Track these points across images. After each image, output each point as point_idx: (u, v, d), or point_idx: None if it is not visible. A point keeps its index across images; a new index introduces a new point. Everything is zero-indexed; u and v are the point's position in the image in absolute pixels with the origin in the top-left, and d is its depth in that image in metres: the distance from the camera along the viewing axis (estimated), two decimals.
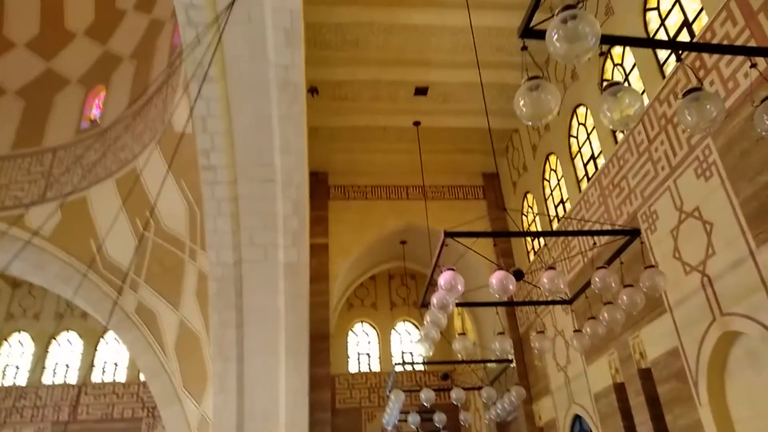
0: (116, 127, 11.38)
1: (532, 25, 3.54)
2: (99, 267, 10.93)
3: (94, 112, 12.75)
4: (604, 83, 8.72)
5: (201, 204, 9.52)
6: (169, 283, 10.76)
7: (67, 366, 15.57)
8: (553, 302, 7.54)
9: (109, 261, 11.06)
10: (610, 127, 3.42)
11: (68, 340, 15.95)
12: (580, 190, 9.60)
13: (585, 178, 9.51)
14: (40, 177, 11.87)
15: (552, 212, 10.89)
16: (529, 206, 12.01)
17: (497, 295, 5.35)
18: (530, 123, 3.34)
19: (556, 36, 2.95)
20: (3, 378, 15.35)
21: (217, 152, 8.80)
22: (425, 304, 6.48)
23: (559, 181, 10.63)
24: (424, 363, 14.75)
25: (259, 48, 8.02)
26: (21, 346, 15.79)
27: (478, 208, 13.43)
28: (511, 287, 5.21)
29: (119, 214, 10.43)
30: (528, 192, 12.06)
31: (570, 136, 10.05)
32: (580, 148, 9.75)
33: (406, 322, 17.44)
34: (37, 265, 11.37)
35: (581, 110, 9.65)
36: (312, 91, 10.97)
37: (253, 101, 8.50)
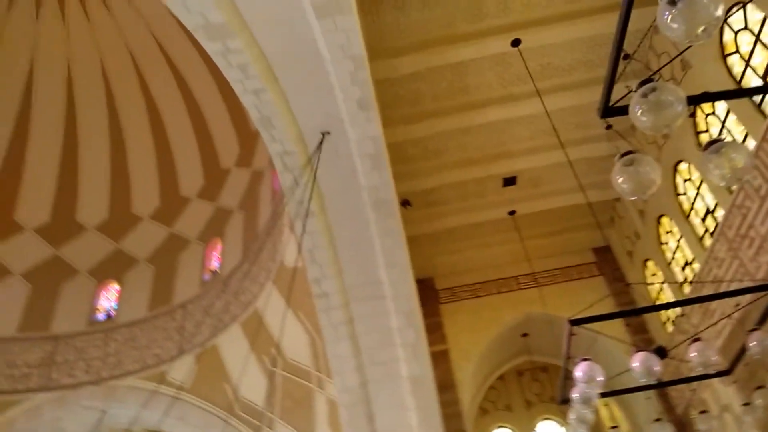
0: (235, 273, 12.25)
1: (611, 103, 3.58)
2: (236, 410, 11.32)
3: (214, 264, 13.87)
4: (700, 135, 8.38)
5: (320, 332, 9.80)
6: (301, 416, 10.88)
7: None
8: (709, 376, 6.81)
9: (245, 402, 11.44)
10: (723, 184, 3.28)
11: None
12: (704, 248, 8.93)
13: (707, 234, 8.88)
14: (175, 333, 12.83)
15: (679, 276, 10.13)
16: (652, 274, 11.27)
17: (643, 379, 4.95)
18: (635, 198, 3.28)
19: (640, 111, 2.97)
20: None
21: (327, 279, 9.18)
22: (564, 401, 6.08)
23: (678, 242, 9.98)
24: None
25: (349, 176, 8.56)
26: None
27: (596, 285, 12.76)
28: (656, 368, 4.82)
29: (248, 357, 10.91)
30: (647, 259, 11.37)
31: (678, 194, 9.56)
32: (692, 205, 9.21)
33: (548, 421, 16.24)
34: (181, 417, 11.96)
35: (683, 166, 9.24)
36: (405, 203, 11.37)
37: (352, 225, 8.94)
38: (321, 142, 7.89)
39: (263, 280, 11.18)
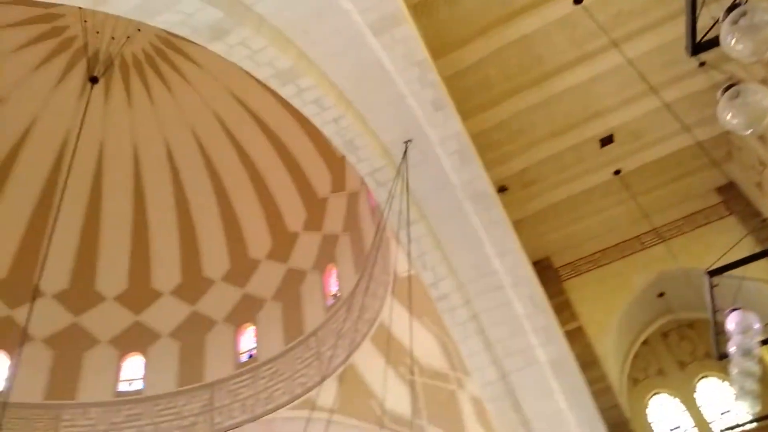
0: (355, 293, 12.64)
1: (698, 39, 3.37)
2: (386, 423, 11.62)
3: (333, 288, 14.41)
4: None
5: (448, 333, 9.87)
6: (449, 417, 10.98)
7: None
8: None
9: (393, 414, 11.72)
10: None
11: None
12: None
13: None
14: (313, 360, 13.44)
15: None
16: None
17: None
18: (750, 132, 3.05)
19: (733, 40, 2.77)
20: None
21: (443, 281, 9.25)
22: (722, 356, 5.69)
23: None
24: (756, 420, 12.45)
25: (441, 177, 8.61)
26: None
27: (729, 226, 11.80)
28: None
29: (385, 369, 11.19)
30: None
31: None
32: None
33: (708, 378, 15.15)
34: None
35: None
36: (501, 190, 11.21)
37: (454, 224, 8.95)
38: (405, 151, 8.02)
39: (382, 294, 11.45)
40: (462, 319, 9.39)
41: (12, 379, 12.03)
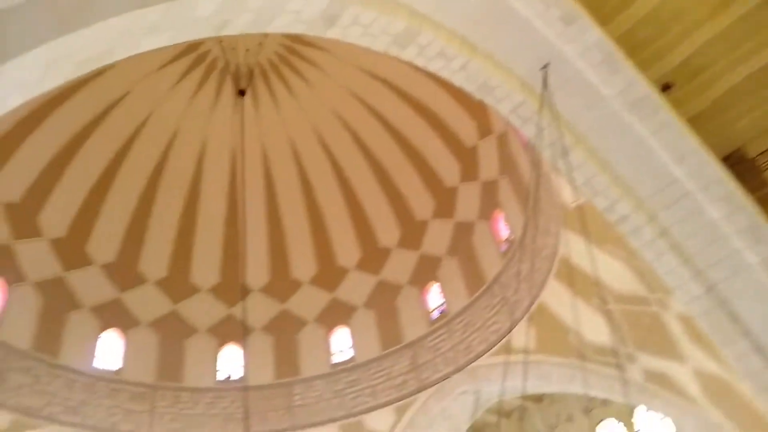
0: (526, 233, 12.40)
1: None
2: (589, 355, 11.33)
3: (504, 233, 14.30)
4: None
5: (637, 255, 9.24)
6: (658, 341, 10.37)
7: None
8: None
9: (594, 346, 11.37)
10: None
11: None
12: None
13: None
14: (501, 306, 13.54)
15: None
16: None
17: None
18: None
19: None
20: None
21: (618, 203, 8.65)
22: None
23: None
24: None
25: (590, 94, 7.97)
26: None
27: None
28: None
29: (576, 302, 10.86)
30: None
31: None
32: None
33: None
34: (541, 377, 12.49)
35: None
36: (665, 88, 10.01)
37: (617, 139, 8.26)
38: (545, 78, 7.55)
39: (555, 229, 11.07)
40: (649, 237, 8.73)
41: (246, 367, 13.88)
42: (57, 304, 14.16)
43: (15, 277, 13.66)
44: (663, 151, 8.17)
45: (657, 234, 8.51)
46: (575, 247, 10.39)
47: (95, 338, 14.64)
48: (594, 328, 10.85)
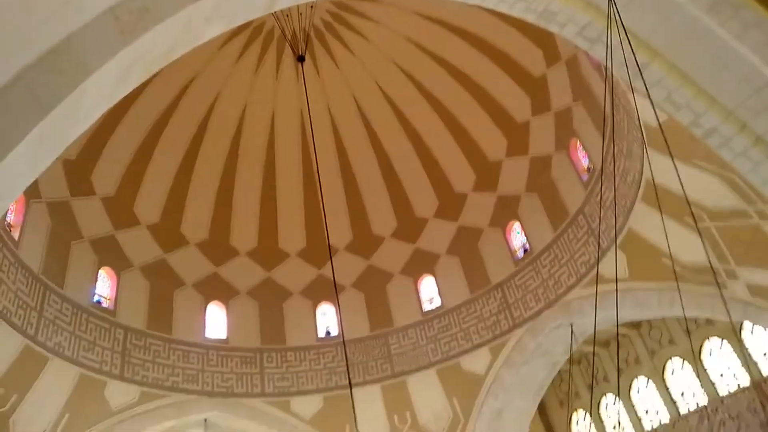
0: (606, 160, 11.91)
1: None
2: (688, 276, 10.92)
3: (584, 162, 13.83)
4: None
5: (730, 167, 8.70)
6: (761, 254, 9.85)
7: None
8: None
9: (692, 267, 10.93)
10: None
11: None
12: None
13: None
14: (587, 236, 13.22)
15: None
16: None
17: None
18: None
19: None
20: None
21: (703, 116, 8.10)
22: None
23: None
24: None
25: (662, 2, 7.40)
26: None
27: None
28: None
29: (667, 224, 10.42)
30: None
31: None
32: None
33: None
34: (638, 304, 12.21)
35: None
36: None
37: (697, 47, 7.65)
38: None
39: (638, 151, 10.58)
40: (742, 147, 8.14)
41: (342, 323, 14.47)
42: (163, 285, 15.29)
43: (122, 264, 14.81)
44: (750, 52, 7.50)
45: (750, 143, 7.93)
46: (661, 167, 9.89)
47: (201, 311, 15.75)
48: (689, 249, 10.41)
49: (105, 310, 13.83)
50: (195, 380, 14.39)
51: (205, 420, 14.33)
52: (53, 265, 12.83)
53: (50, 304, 12.29)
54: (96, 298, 13.85)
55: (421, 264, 16.85)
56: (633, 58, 7.55)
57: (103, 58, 4.04)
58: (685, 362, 16.26)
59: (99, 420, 12.37)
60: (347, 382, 13.09)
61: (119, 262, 14.75)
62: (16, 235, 11.96)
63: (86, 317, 13.11)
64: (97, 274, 14.16)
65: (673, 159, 9.00)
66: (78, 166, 13.93)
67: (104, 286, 14.31)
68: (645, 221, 11.30)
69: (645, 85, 7.76)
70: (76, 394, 12.18)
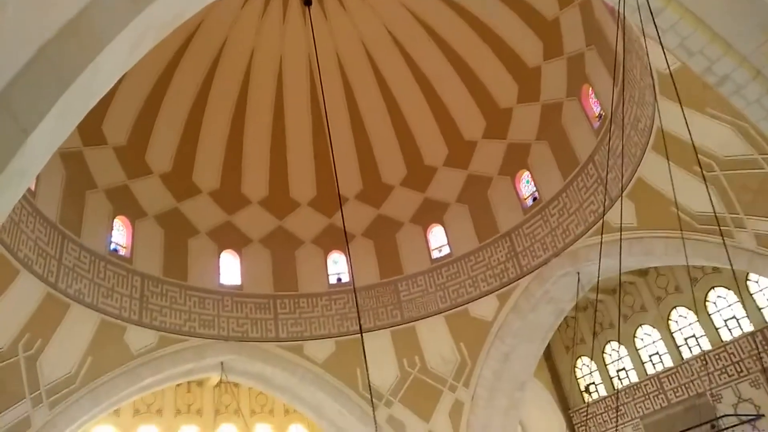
0: (618, 105, 11.76)
1: None
2: (696, 226, 10.94)
3: (595, 110, 13.66)
4: None
5: (742, 116, 8.59)
6: None
7: None
8: None
9: (700, 217, 10.96)
10: None
11: None
12: None
13: None
14: (597, 185, 13.21)
15: None
16: None
17: None
18: None
19: None
20: None
21: (717, 62, 7.91)
22: None
23: None
24: None
25: None
26: None
27: None
28: None
29: (676, 172, 10.38)
30: None
31: None
32: None
33: None
34: (645, 252, 12.28)
35: None
36: None
37: None
38: None
39: (650, 99, 10.42)
40: (756, 95, 8.01)
41: (352, 270, 14.76)
42: (177, 233, 15.60)
43: (137, 213, 15.09)
44: None
45: (764, 90, 7.79)
46: (672, 115, 9.77)
47: (215, 259, 16.12)
48: (697, 197, 10.40)
49: (122, 258, 14.20)
50: (211, 325, 14.89)
51: (222, 363, 14.90)
52: (70, 215, 13.12)
53: (69, 253, 12.64)
54: (112, 246, 14.20)
55: (430, 213, 16.98)
56: (646, 3, 7.39)
57: (117, 28, 4.09)
58: (690, 311, 16.48)
59: (120, 363, 12.93)
60: (358, 327, 13.53)
61: (134, 211, 15.03)
62: (32, 185, 12.18)
63: (104, 265, 13.49)
64: (112, 223, 14.47)
65: (682, 107, 8.91)
66: (89, 116, 13.91)
67: (120, 235, 14.65)
68: (654, 170, 11.25)
69: (657, 30, 7.61)
70: (98, 338, 12.68)
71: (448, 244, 16.59)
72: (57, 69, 3.72)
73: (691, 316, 16.46)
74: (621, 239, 9.29)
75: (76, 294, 12.43)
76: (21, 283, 11.06)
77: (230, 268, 16.29)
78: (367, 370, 12.36)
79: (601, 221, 12.78)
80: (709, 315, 15.95)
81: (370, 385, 12.92)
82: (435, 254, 16.71)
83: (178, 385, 18.72)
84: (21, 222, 11.39)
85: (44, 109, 3.72)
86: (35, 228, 11.84)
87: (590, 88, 13.77)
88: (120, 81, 14.14)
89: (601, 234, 10.38)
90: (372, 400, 12.54)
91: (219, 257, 16.20)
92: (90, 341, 12.56)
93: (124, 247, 14.52)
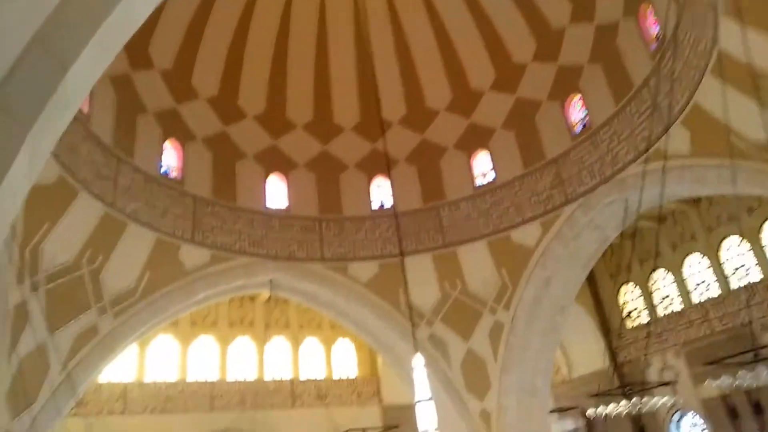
0: (679, 27, 10.98)
1: None
2: (755, 154, 10.41)
3: (653, 31, 12.80)
4: None
5: None
6: None
7: None
8: None
9: (756, 144, 10.40)
10: None
11: None
12: None
13: None
14: (650, 111, 12.62)
15: None
16: None
17: None
18: None
19: None
20: None
21: None
22: None
23: None
24: None
25: None
26: None
27: None
28: None
29: (736, 99, 9.78)
30: None
31: None
32: None
33: None
34: (698, 180, 11.86)
35: None
36: None
37: None
38: None
39: (711, 18, 9.66)
40: None
41: (395, 195, 14.88)
42: (225, 156, 16.00)
43: (186, 136, 15.49)
44: None
45: None
46: (735, 36, 9.10)
47: (263, 182, 16.53)
48: (756, 125, 9.84)
49: (173, 180, 14.77)
50: (260, 245, 15.50)
51: (271, 281, 15.64)
52: (123, 138, 13.60)
53: (124, 175, 13.22)
54: (164, 168, 14.75)
55: (475, 138, 16.70)
56: None
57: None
58: (743, 240, 16.00)
59: (176, 279, 13.75)
60: (400, 251, 13.84)
61: (183, 134, 15.42)
62: (85, 108, 12.63)
63: (157, 186, 14.07)
64: (163, 146, 14.94)
65: (750, 28, 8.27)
66: (136, 39, 14.07)
67: (171, 157, 15.14)
68: (712, 95, 10.60)
69: None
70: (154, 255, 13.46)
71: (493, 170, 16.40)
72: (54, 54, 3.70)
73: (743, 246, 16.00)
74: (665, 166, 8.98)
75: (132, 213, 13.10)
76: (81, 202, 11.71)
77: (277, 191, 16.71)
78: (407, 294, 12.76)
79: (652, 149, 12.35)
80: (762, 247, 15.46)
81: (411, 308, 13.34)
82: (479, 180, 16.59)
83: (231, 299, 19.85)
84: (78, 145, 11.92)
85: (81, 44, 3.81)
86: (91, 150, 12.38)
87: (649, 6, 12.84)
88: (163, 4, 14.26)
89: (657, 162, 9.96)
90: (412, 320, 12.99)
91: (266, 180, 16.60)
92: (147, 258, 13.35)
93: (175, 170, 15.05)
